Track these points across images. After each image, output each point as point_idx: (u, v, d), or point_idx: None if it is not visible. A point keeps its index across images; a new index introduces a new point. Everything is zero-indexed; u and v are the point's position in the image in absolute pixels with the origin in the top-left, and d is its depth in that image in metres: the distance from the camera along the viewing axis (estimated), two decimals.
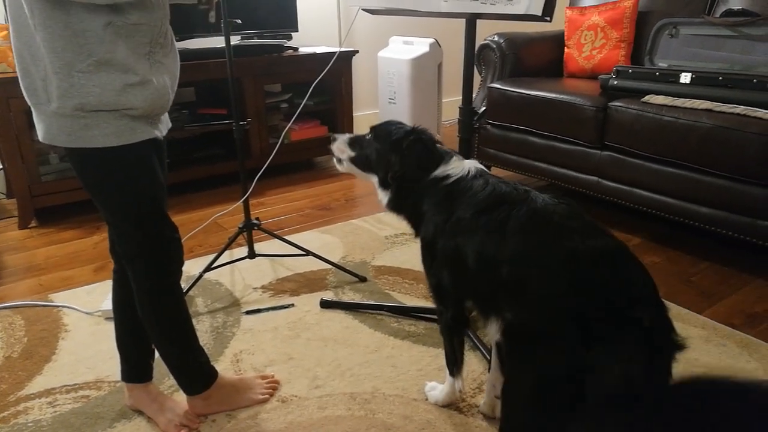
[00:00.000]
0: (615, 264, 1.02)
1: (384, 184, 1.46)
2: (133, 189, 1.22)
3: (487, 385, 1.49)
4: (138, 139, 1.18)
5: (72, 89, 1.08)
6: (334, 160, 1.58)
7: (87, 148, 1.14)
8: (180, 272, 1.36)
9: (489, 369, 1.50)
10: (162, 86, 1.20)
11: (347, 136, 1.56)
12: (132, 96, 1.13)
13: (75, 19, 1.05)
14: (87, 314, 1.95)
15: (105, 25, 1.06)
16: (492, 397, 1.46)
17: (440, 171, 1.35)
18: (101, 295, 2.04)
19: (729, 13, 2.62)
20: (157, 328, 1.36)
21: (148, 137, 1.21)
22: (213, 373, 1.46)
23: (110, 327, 1.86)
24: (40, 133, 1.16)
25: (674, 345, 0.99)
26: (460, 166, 1.34)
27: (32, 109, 1.16)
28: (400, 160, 1.39)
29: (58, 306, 2.00)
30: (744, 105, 2.14)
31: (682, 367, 1.59)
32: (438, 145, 1.43)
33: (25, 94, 1.14)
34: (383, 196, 1.47)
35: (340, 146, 1.55)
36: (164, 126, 1.31)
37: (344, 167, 1.56)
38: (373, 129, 1.50)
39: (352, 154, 1.53)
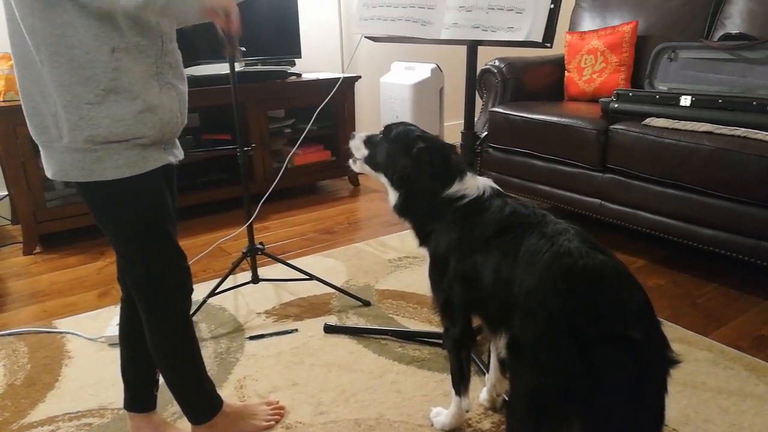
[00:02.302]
0: (611, 281, 1.04)
1: (395, 185, 1.44)
2: (144, 219, 1.22)
3: (488, 384, 1.58)
4: (151, 167, 1.18)
5: (81, 122, 1.08)
6: (350, 160, 1.59)
7: (102, 182, 1.14)
8: (190, 301, 1.36)
9: (488, 368, 1.56)
10: (171, 110, 1.20)
11: (365, 134, 1.56)
12: (141, 124, 1.13)
13: (80, 51, 1.05)
14: (91, 340, 1.94)
15: (110, 52, 1.07)
16: (492, 395, 1.57)
17: (455, 189, 1.33)
18: (105, 320, 2.03)
19: (727, 36, 2.65)
20: (165, 357, 1.35)
21: (162, 164, 1.21)
22: (218, 401, 1.45)
23: (114, 353, 1.86)
24: (52, 171, 1.15)
25: (669, 361, 1.01)
26: (475, 185, 1.34)
27: (41, 148, 1.15)
28: (410, 164, 1.38)
29: (61, 332, 2.00)
30: (744, 127, 2.16)
31: (690, 391, 1.59)
32: (454, 156, 1.40)
33: (34, 133, 1.14)
34: (392, 198, 1.45)
35: (357, 144, 1.55)
36: (178, 151, 1.30)
37: (358, 167, 1.56)
38: (387, 128, 1.50)
39: (366, 153, 1.53)
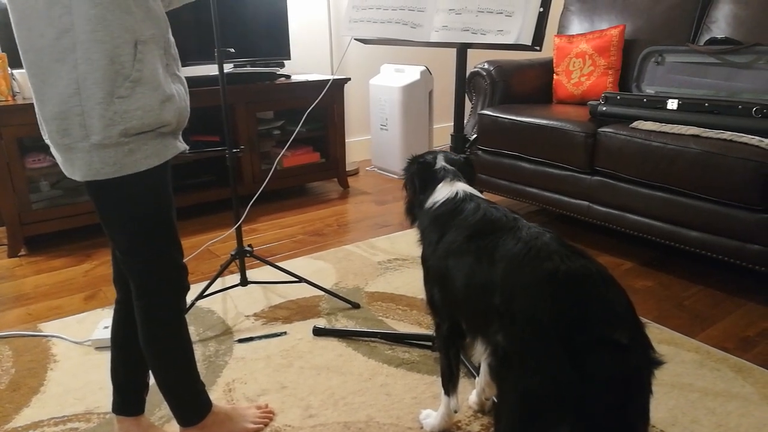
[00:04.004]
0: (595, 285, 1.04)
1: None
2: (160, 211, 1.23)
3: (477, 388, 1.58)
4: (171, 154, 1.20)
5: (116, 116, 1.08)
6: None
7: (126, 176, 1.14)
8: (185, 300, 1.36)
9: (478, 372, 1.58)
10: (182, 99, 1.22)
11: (418, 155, 1.64)
12: (166, 112, 1.15)
13: (110, 45, 1.05)
14: (76, 344, 1.92)
15: (134, 45, 1.08)
16: (482, 398, 1.57)
17: (430, 199, 1.43)
18: (91, 324, 2.01)
19: (713, 41, 2.68)
20: (159, 356, 1.34)
21: (177, 152, 1.23)
22: (208, 404, 1.44)
23: (100, 357, 1.84)
24: (80, 172, 1.13)
25: (652, 362, 1.02)
26: (448, 190, 1.41)
27: (61, 152, 1.14)
28: (405, 180, 1.56)
29: (47, 336, 1.97)
30: (730, 130, 2.18)
31: (677, 392, 1.60)
32: (442, 166, 1.49)
33: (54, 138, 1.12)
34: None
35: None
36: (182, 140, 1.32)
37: None
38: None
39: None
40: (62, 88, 1.07)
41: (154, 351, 1.33)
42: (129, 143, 1.12)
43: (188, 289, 1.35)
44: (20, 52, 1.09)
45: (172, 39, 1.22)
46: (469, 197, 1.36)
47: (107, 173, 1.13)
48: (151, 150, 1.15)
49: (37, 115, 1.15)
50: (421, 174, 1.50)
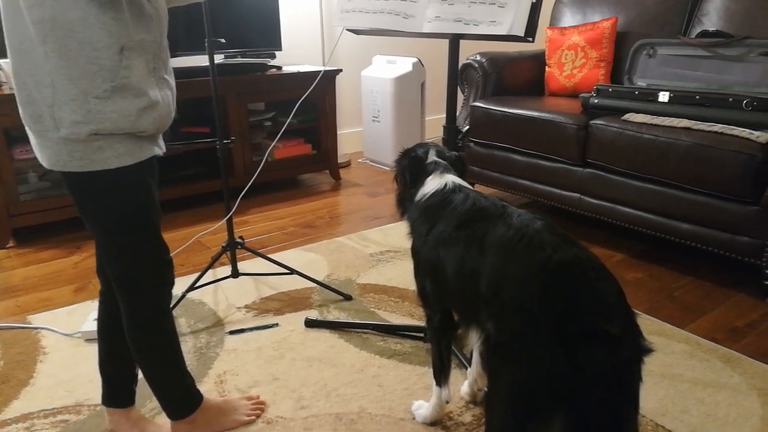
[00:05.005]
0: (586, 275, 1.04)
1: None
2: (137, 210, 1.21)
3: (469, 378, 1.59)
4: (146, 156, 1.19)
5: (89, 115, 1.07)
6: None
7: (96, 171, 1.13)
8: (170, 294, 1.34)
9: (470, 363, 1.58)
10: (167, 104, 1.21)
11: (410, 148, 1.62)
12: (144, 119, 1.14)
13: (90, 47, 1.04)
14: (66, 336, 1.91)
15: (119, 50, 1.07)
16: (473, 389, 1.58)
17: (420, 192, 1.43)
18: (81, 316, 2.00)
19: (704, 34, 2.68)
20: (145, 352, 1.33)
21: (152, 155, 1.21)
22: (198, 396, 1.43)
23: (90, 349, 1.83)
24: (46, 160, 1.14)
25: (643, 349, 1.02)
26: (437, 182, 1.41)
27: (33, 136, 1.14)
28: (397, 173, 1.56)
29: (36, 328, 1.96)
30: (721, 123, 2.19)
31: (667, 383, 1.61)
32: (433, 160, 1.49)
33: (27, 122, 1.12)
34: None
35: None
36: (162, 144, 1.30)
37: None
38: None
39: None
40: (39, 77, 1.06)
41: (139, 347, 1.32)
42: (98, 140, 1.11)
43: (172, 284, 1.33)
44: (4, 32, 1.07)
45: (165, 42, 1.20)
46: (458, 188, 1.37)
47: (74, 167, 1.12)
48: (124, 149, 1.14)
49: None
50: (411, 167, 1.50)
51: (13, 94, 2.42)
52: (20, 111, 1.12)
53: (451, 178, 1.41)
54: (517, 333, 1.05)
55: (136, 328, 1.30)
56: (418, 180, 1.46)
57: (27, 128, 1.14)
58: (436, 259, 1.28)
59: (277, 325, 1.96)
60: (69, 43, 1.03)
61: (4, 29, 1.07)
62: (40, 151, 1.14)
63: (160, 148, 1.26)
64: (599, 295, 1.02)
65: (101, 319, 1.39)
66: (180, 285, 2.13)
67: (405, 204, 1.51)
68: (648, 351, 1.03)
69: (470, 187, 1.40)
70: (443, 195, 1.36)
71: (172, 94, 1.25)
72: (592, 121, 2.47)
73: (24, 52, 1.06)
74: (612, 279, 1.06)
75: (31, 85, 1.07)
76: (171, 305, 1.37)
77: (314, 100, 3.37)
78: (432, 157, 1.50)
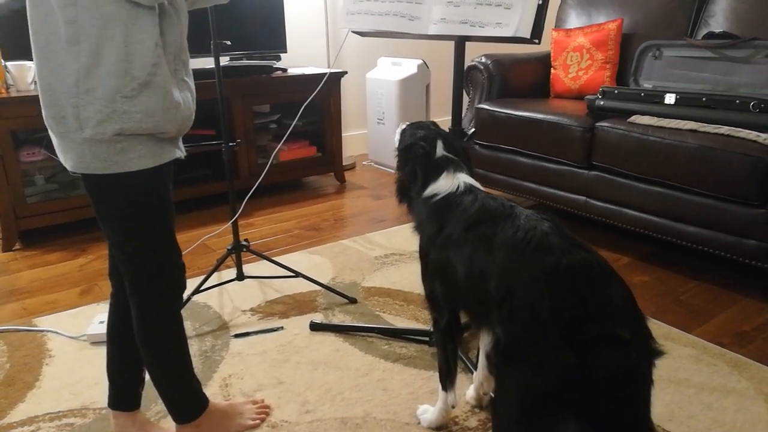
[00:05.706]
0: (596, 279, 1.04)
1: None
2: (154, 212, 1.22)
3: (475, 382, 1.57)
4: (167, 159, 1.19)
5: (114, 114, 1.07)
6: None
7: (117, 174, 1.13)
8: (182, 299, 1.35)
9: (476, 367, 1.56)
10: (188, 107, 1.21)
11: (408, 123, 1.60)
12: (167, 120, 1.13)
13: (121, 44, 1.04)
14: (72, 339, 1.91)
15: (154, 46, 1.07)
16: (479, 393, 1.56)
17: (430, 189, 1.41)
18: (87, 318, 2.00)
19: (710, 35, 2.67)
20: (154, 354, 1.33)
21: (173, 158, 1.22)
22: (204, 401, 1.43)
23: (96, 352, 1.83)
24: (70, 162, 1.13)
25: (653, 352, 1.02)
26: (449, 183, 1.39)
27: (56, 138, 1.14)
28: (402, 163, 1.51)
29: (42, 330, 1.96)
30: (727, 125, 2.18)
31: (674, 388, 1.60)
32: (443, 155, 1.46)
33: (50, 123, 1.12)
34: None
35: (396, 135, 1.60)
36: (182, 147, 1.30)
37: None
38: (407, 125, 1.59)
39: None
40: (63, 76, 1.06)
41: (149, 350, 1.32)
42: (122, 142, 1.10)
43: (184, 288, 1.34)
44: (30, 33, 1.07)
45: (185, 44, 1.20)
46: (469, 189, 1.36)
47: (97, 168, 1.12)
48: (146, 151, 1.14)
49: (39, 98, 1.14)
50: (421, 162, 1.46)
51: (21, 97, 2.45)
52: (43, 113, 1.12)
53: (463, 179, 1.40)
54: (527, 338, 1.04)
55: (146, 330, 1.30)
56: (428, 176, 1.43)
57: (50, 130, 1.14)
58: (446, 261, 1.28)
59: (282, 328, 1.96)
60: (101, 41, 1.03)
61: (30, 31, 1.07)
62: (63, 154, 1.14)
63: (181, 151, 1.26)
64: (608, 299, 1.01)
65: (111, 322, 1.39)
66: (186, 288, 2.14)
67: (409, 194, 1.49)
68: (659, 354, 1.02)
69: (480, 187, 1.39)
70: (454, 197, 1.35)
71: (192, 97, 1.24)
72: (597, 124, 2.45)
73: (51, 52, 1.05)
74: (621, 282, 1.05)
75: (56, 86, 1.07)
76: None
77: (319, 102, 3.37)
78: (440, 150, 1.47)
